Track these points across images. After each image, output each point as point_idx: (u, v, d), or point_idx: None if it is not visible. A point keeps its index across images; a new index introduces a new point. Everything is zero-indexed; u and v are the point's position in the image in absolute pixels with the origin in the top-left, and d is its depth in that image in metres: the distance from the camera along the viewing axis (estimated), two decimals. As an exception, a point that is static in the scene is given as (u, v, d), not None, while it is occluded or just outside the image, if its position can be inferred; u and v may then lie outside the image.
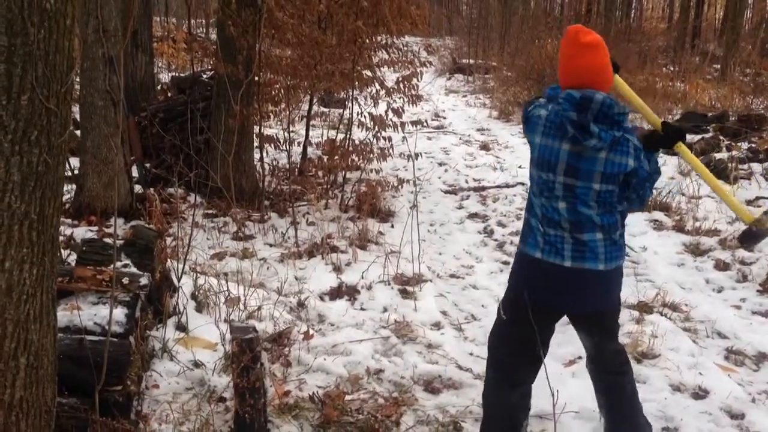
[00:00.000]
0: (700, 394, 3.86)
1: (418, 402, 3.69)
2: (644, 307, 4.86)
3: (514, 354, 3.00)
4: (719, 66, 17.15)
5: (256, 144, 7.21)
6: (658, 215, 6.90)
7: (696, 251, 6.03)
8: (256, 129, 7.06)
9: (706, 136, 9.24)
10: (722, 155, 8.37)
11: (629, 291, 4.87)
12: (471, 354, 4.29)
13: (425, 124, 8.11)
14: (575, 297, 2.89)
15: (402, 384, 3.88)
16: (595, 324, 3.05)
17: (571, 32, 2.77)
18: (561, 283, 2.85)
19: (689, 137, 9.09)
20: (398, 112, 7.21)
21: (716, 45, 20.79)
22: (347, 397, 3.63)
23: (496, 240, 6.53)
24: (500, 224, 6.94)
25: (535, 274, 2.88)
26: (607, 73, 2.78)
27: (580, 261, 2.79)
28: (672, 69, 16.68)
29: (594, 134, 2.62)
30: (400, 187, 7.40)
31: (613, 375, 3.11)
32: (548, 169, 2.75)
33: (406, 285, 5.14)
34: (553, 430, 3.05)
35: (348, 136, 7.46)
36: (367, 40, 7.22)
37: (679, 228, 6.55)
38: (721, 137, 9.21)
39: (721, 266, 5.70)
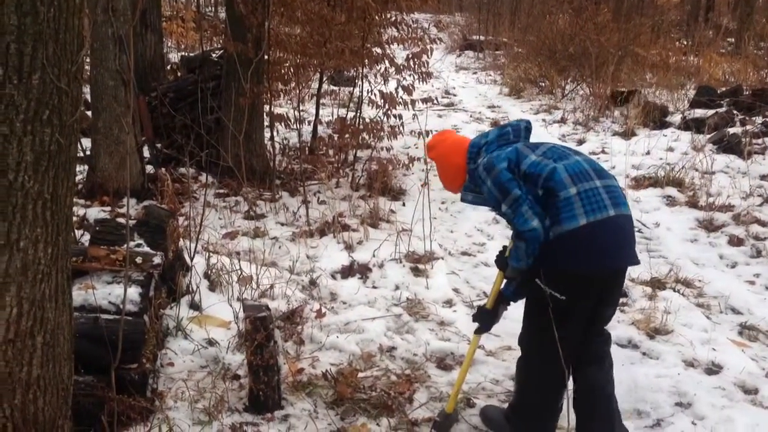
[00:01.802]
0: (713, 369, 3.86)
1: (431, 379, 3.71)
2: (657, 284, 4.85)
3: (573, 332, 2.89)
4: (733, 40, 16.93)
5: (266, 123, 7.20)
6: (671, 191, 6.85)
7: (709, 227, 6.00)
8: (267, 108, 7.04)
9: (720, 110, 9.14)
10: (736, 130, 8.28)
11: (642, 267, 4.86)
12: (483, 331, 4.30)
13: (436, 101, 8.07)
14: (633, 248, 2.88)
15: (414, 361, 3.90)
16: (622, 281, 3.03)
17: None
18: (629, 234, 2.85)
19: (703, 112, 9.04)
20: (408, 90, 7.17)
21: (730, 18, 20.48)
22: (360, 375, 3.65)
23: (507, 217, 6.51)
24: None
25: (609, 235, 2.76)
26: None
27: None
28: (685, 43, 16.48)
29: None
30: (411, 165, 7.37)
31: (603, 344, 3.11)
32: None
33: (418, 263, 5.15)
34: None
35: (358, 114, 7.44)
36: (377, 17, 7.16)
37: (693, 204, 6.51)
38: (735, 112, 9.10)
39: (735, 242, 5.67)
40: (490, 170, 2.82)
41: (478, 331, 3.21)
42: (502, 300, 3.10)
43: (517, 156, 2.86)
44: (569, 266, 2.75)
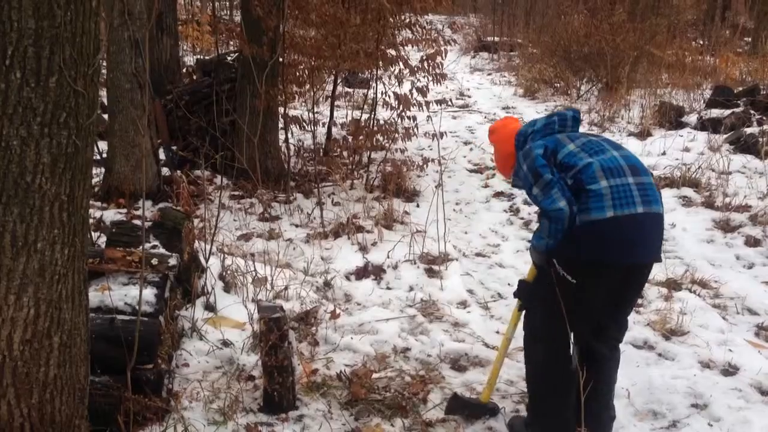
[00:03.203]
0: (729, 370, 3.83)
1: (445, 380, 3.71)
2: (673, 284, 4.82)
3: (581, 320, 2.91)
4: (750, 39, 16.78)
5: (281, 125, 7.22)
6: (687, 191, 6.80)
7: (726, 227, 5.95)
8: (281, 110, 7.06)
9: (737, 110, 9.06)
10: (753, 130, 8.21)
11: (658, 268, 4.82)
12: (497, 332, 4.29)
13: (450, 103, 8.07)
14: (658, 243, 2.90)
15: (428, 362, 3.90)
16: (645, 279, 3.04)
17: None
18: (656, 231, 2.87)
19: (720, 111, 8.96)
20: (423, 91, 7.17)
21: (747, 18, 20.32)
22: (374, 375, 3.66)
23: (522, 218, 6.50)
24: (526, 203, 6.88)
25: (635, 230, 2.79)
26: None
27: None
28: (702, 43, 16.36)
29: None
30: (425, 166, 7.38)
31: (614, 345, 3.10)
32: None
33: (432, 264, 5.15)
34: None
35: (372, 115, 7.45)
36: (391, 19, 7.17)
37: (709, 204, 6.46)
38: (752, 111, 9.03)
39: (752, 242, 5.62)
40: (527, 156, 2.89)
41: (521, 308, 3.22)
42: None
43: (555, 145, 2.92)
44: (587, 253, 2.78)
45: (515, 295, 3.25)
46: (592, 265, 2.80)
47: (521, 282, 3.23)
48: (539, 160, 2.83)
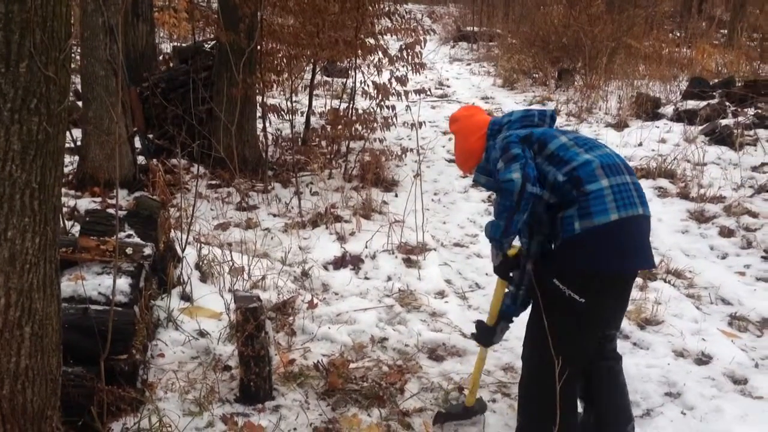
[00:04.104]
0: (703, 359, 3.88)
1: (422, 369, 3.71)
2: (648, 274, 4.86)
3: (591, 338, 2.78)
4: (726, 31, 16.94)
5: (259, 114, 7.17)
6: (663, 182, 6.87)
7: (700, 218, 6.01)
8: (259, 98, 7.01)
9: (712, 102, 9.15)
10: (728, 121, 8.30)
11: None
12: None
13: (429, 92, 8.05)
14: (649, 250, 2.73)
15: (406, 352, 3.90)
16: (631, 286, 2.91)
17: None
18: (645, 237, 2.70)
19: (696, 103, 9.03)
20: (402, 81, 7.16)
21: (723, 10, 20.53)
22: (352, 365, 3.65)
23: (500, 208, 6.51)
24: (504, 193, 6.91)
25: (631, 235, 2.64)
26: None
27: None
28: (678, 35, 16.49)
29: None
30: (403, 156, 7.37)
31: (615, 355, 3.02)
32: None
33: (410, 254, 5.15)
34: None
35: (351, 105, 7.42)
36: (370, 8, 7.13)
37: (684, 195, 6.52)
38: (727, 103, 9.12)
39: (726, 233, 5.69)
40: (505, 138, 2.75)
41: (477, 341, 3.16)
42: (503, 317, 3.01)
43: (544, 135, 2.78)
44: (596, 265, 2.60)
45: (474, 332, 3.14)
46: (599, 277, 2.61)
47: (480, 324, 3.10)
48: (515, 137, 2.71)
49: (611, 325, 2.91)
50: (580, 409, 3.05)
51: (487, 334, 3.09)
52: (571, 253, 2.63)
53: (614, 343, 3.03)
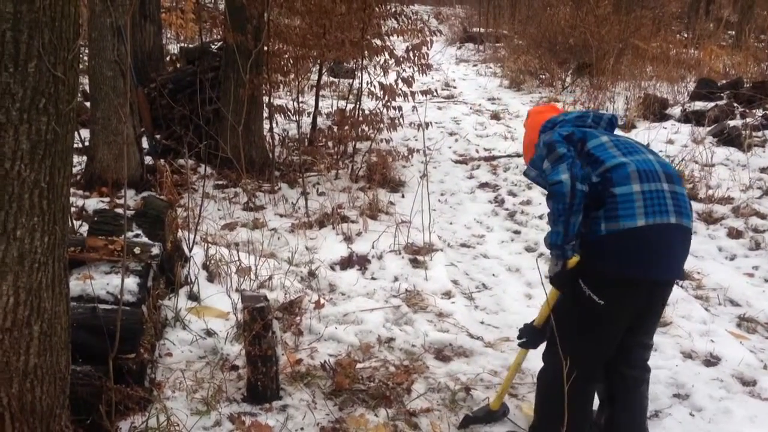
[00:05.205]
0: (711, 361, 3.86)
1: (429, 370, 3.71)
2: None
3: (608, 341, 2.76)
4: (734, 32, 16.89)
5: (265, 114, 7.18)
6: (671, 183, 6.83)
7: (709, 219, 5.99)
8: (266, 99, 7.02)
9: (720, 103, 9.11)
10: (736, 122, 8.26)
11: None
12: (482, 322, 4.30)
13: (435, 93, 8.05)
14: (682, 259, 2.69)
15: (413, 352, 3.90)
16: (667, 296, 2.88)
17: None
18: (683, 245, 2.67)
19: (704, 104, 9.00)
20: (408, 82, 7.15)
21: (731, 11, 20.43)
22: (358, 366, 3.65)
23: (506, 209, 6.51)
24: (511, 193, 6.91)
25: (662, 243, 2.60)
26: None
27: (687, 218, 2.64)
28: (686, 36, 16.44)
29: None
30: (410, 156, 7.36)
31: (645, 366, 2.96)
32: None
33: (417, 254, 5.14)
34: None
35: (358, 106, 7.42)
36: (377, 8, 7.14)
37: (692, 196, 6.49)
38: (735, 104, 9.08)
39: (734, 234, 5.67)
40: (548, 139, 2.73)
41: (524, 346, 3.10)
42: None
43: (584, 134, 2.76)
44: (618, 269, 2.58)
45: (519, 335, 3.08)
46: (620, 281, 2.59)
47: (527, 326, 3.05)
48: (557, 136, 2.69)
49: (638, 332, 2.82)
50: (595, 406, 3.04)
51: (536, 336, 3.04)
52: (593, 253, 2.61)
53: (647, 354, 2.95)
